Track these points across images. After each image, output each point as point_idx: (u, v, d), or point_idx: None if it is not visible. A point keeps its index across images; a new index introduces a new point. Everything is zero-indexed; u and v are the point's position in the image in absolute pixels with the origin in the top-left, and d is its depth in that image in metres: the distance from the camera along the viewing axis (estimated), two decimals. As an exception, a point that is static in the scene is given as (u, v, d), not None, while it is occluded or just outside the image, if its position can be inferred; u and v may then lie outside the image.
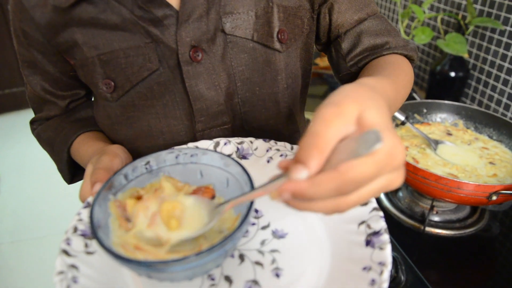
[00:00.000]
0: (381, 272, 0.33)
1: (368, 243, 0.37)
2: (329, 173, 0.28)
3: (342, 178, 0.27)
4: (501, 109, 1.15)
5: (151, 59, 0.52)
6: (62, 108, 0.65)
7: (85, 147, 0.59)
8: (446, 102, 0.94)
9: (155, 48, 0.52)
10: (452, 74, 1.21)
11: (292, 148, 0.51)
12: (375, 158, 0.27)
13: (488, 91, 1.19)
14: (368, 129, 0.29)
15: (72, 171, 0.66)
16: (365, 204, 0.41)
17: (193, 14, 0.51)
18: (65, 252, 0.37)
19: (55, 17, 0.52)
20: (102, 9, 0.51)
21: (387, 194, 0.86)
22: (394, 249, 0.71)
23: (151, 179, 0.43)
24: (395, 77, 0.50)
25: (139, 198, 0.40)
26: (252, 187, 0.37)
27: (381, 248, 0.36)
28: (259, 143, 0.52)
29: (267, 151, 0.51)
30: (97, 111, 0.61)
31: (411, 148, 0.84)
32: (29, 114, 2.56)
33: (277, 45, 0.55)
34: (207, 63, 0.53)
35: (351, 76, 0.63)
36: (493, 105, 1.18)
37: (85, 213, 0.42)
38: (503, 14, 1.12)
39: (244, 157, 0.52)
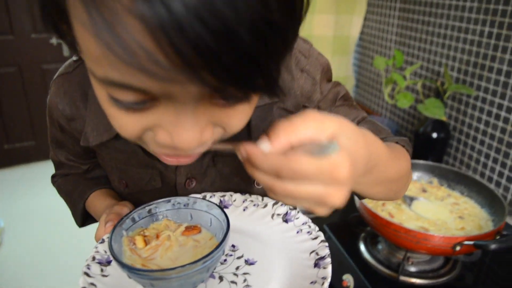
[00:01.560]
0: (323, 283, 0.46)
1: (315, 265, 0.50)
2: (279, 155, 0.33)
3: (285, 163, 0.32)
4: (479, 167, 1.25)
5: (156, 180, 0.65)
6: (82, 170, 0.78)
7: (99, 202, 0.70)
8: (422, 162, 1.04)
9: (159, 175, 0.65)
10: (434, 135, 1.32)
11: (262, 199, 0.63)
12: (319, 162, 0.32)
13: (468, 151, 1.30)
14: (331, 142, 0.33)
15: (84, 218, 0.78)
16: (315, 238, 0.53)
17: None
18: (86, 274, 0.48)
19: (81, 134, 0.64)
20: (123, 142, 0.61)
21: (367, 247, 0.95)
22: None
23: (153, 221, 0.56)
24: (391, 148, 0.52)
25: (144, 235, 0.53)
26: (228, 223, 0.49)
27: (324, 268, 0.48)
28: (237, 196, 0.64)
29: (243, 202, 0.63)
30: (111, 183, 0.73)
31: (388, 204, 0.94)
32: (36, 168, 2.72)
33: (254, 186, 0.66)
34: (198, 189, 0.65)
35: None
36: (472, 163, 1.28)
37: (100, 247, 0.54)
38: (475, 81, 1.25)
39: (225, 207, 0.63)
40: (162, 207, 0.56)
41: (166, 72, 0.29)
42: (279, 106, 0.60)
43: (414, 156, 1.39)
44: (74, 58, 0.63)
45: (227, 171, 0.65)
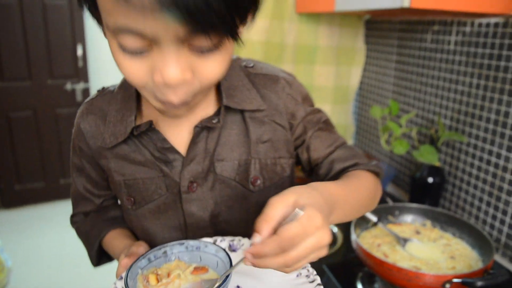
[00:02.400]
0: None
1: None
2: (272, 236, 0.46)
3: (280, 238, 0.46)
4: (474, 210, 1.30)
5: (161, 187, 0.73)
6: (96, 205, 0.85)
7: (117, 241, 0.78)
8: (416, 205, 1.10)
9: (164, 180, 0.72)
10: (430, 180, 1.38)
11: None
12: (300, 223, 0.46)
13: (463, 195, 1.36)
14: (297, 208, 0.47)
15: (99, 257, 0.85)
16: (312, 281, 0.57)
17: (194, 160, 0.71)
18: None
19: (101, 148, 0.74)
20: (133, 150, 0.72)
21: (364, 286, 1.00)
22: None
23: (166, 262, 0.62)
24: (346, 183, 0.67)
25: (157, 274, 0.59)
26: (231, 264, 0.56)
27: None
28: (245, 241, 0.70)
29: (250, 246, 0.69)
30: (123, 211, 0.81)
31: (383, 245, 1.00)
32: (45, 209, 2.80)
33: (250, 187, 0.74)
34: (200, 193, 0.73)
35: None
36: (467, 206, 1.34)
37: (118, 283, 0.61)
38: (467, 128, 1.33)
39: (234, 250, 0.69)
40: (176, 249, 0.63)
41: (151, 11, 0.45)
42: (270, 119, 0.74)
43: (411, 199, 1.45)
44: (97, 91, 0.78)
45: (226, 175, 0.73)
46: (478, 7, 1.08)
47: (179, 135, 0.72)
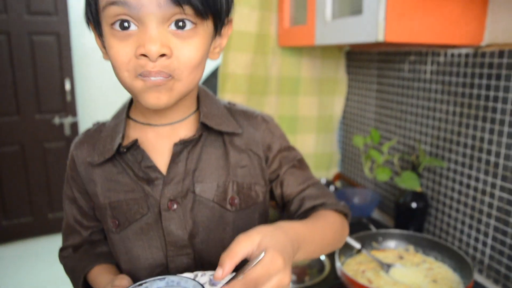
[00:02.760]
0: None
1: None
2: (237, 279, 0.50)
3: (245, 280, 0.50)
4: (457, 234, 1.33)
5: (143, 207, 0.76)
6: (84, 238, 0.86)
7: (101, 277, 0.80)
8: (398, 231, 1.13)
9: (145, 200, 0.76)
10: (414, 205, 1.42)
11: None
12: (261, 263, 0.51)
13: (446, 218, 1.39)
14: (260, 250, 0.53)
15: None
16: None
17: (174, 179, 0.75)
18: None
19: (90, 172, 0.78)
20: (119, 171, 0.77)
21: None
22: None
23: None
24: (313, 222, 0.72)
25: None
26: None
27: None
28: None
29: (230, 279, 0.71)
30: (107, 239, 0.83)
31: (368, 271, 1.02)
32: (33, 244, 2.75)
33: (228, 206, 0.78)
34: (179, 212, 0.75)
35: None
36: (451, 230, 1.37)
37: None
38: (446, 154, 1.37)
39: (213, 285, 0.71)
40: (156, 284, 0.65)
41: None
42: (248, 147, 0.80)
43: (396, 225, 1.48)
44: (92, 124, 0.85)
45: (204, 196, 0.76)
46: (448, 39, 1.14)
47: (161, 155, 0.76)
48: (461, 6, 1.13)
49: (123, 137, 0.75)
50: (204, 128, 0.77)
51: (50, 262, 3.08)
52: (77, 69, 3.62)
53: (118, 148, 0.74)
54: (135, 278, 0.76)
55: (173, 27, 0.62)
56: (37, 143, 3.45)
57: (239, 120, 0.81)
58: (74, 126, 3.54)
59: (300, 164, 0.85)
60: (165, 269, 0.77)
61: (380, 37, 1.06)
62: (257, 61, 1.71)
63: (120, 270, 0.82)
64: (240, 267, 0.56)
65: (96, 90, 3.75)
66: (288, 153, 0.84)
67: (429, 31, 1.11)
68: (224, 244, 0.75)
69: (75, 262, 0.86)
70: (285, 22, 1.69)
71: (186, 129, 0.77)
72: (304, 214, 0.81)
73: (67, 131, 3.50)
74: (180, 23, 0.62)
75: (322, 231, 0.72)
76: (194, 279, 0.64)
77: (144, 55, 0.60)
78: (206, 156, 0.77)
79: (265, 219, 0.85)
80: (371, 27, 1.08)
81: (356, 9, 1.20)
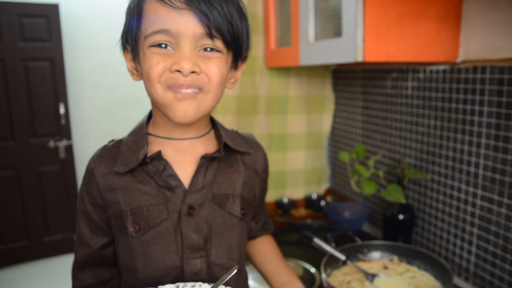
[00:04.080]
0: None
1: None
2: None
3: None
4: (444, 243, 1.38)
5: (163, 212, 0.82)
6: (93, 251, 0.89)
7: None
8: (382, 242, 1.18)
9: (166, 206, 0.82)
10: (401, 217, 1.46)
11: None
12: None
13: (432, 229, 1.43)
14: None
15: None
16: None
17: (194, 189, 0.83)
18: None
19: (111, 182, 0.84)
20: (140, 180, 0.83)
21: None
22: None
23: None
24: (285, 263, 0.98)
25: None
26: None
27: None
28: (205, 286, 0.77)
29: None
30: (121, 247, 0.87)
31: (353, 281, 1.06)
32: (28, 269, 2.77)
33: (239, 216, 0.88)
34: (197, 217, 0.83)
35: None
36: (437, 239, 1.41)
37: None
38: (429, 166, 1.42)
39: None
40: None
41: (179, 12, 0.71)
42: (253, 166, 0.94)
43: (384, 237, 1.52)
44: (108, 141, 0.92)
45: (220, 205, 0.86)
46: (424, 57, 1.21)
47: (181, 167, 0.85)
48: (435, 26, 1.20)
49: (147, 149, 0.83)
50: (224, 147, 0.88)
51: (47, 286, 3.08)
52: (71, 93, 3.68)
53: (143, 159, 0.81)
54: (151, 279, 0.83)
55: (202, 50, 0.75)
56: (32, 167, 3.48)
57: (248, 142, 0.96)
58: (69, 149, 3.57)
59: (264, 198, 1.05)
60: (180, 271, 0.83)
61: (359, 58, 1.12)
62: (246, 82, 1.77)
63: (134, 272, 0.86)
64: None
65: (90, 113, 3.80)
66: (266, 187, 1.03)
67: (406, 51, 1.17)
68: (233, 249, 0.87)
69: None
70: (272, 44, 1.76)
71: (203, 145, 0.88)
72: (258, 232, 1.05)
73: (62, 154, 3.54)
74: (209, 48, 0.75)
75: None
76: None
77: (178, 71, 0.73)
78: (222, 171, 0.88)
79: (248, 227, 0.98)
80: (351, 49, 1.14)
81: (337, 31, 1.27)
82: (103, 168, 0.86)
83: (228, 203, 0.87)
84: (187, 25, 0.72)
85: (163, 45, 0.74)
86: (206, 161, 0.85)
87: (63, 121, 3.51)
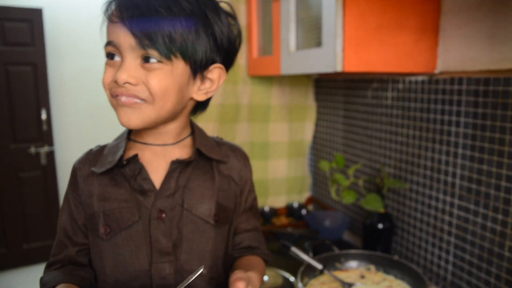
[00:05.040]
0: None
1: None
2: None
3: None
4: (422, 252, 1.39)
5: (134, 215, 0.83)
6: (70, 255, 0.89)
7: None
8: (359, 251, 1.19)
9: (138, 208, 0.83)
10: (380, 226, 1.47)
11: None
12: None
13: (411, 238, 1.45)
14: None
15: None
16: None
17: (166, 192, 0.84)
18: None
19: (90, 184, 0.86)
20: (116, 183, 0.85)
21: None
22: None
23: None
24: (260, 273, 0.88)
25: None
26: None
27: None
28: None
29: None
30: (93, 250, 0.88)
31: (330, 291, 1.06)
32: (7, 277, 2.69)
33: (212, 222, 0.87)
34: (166, 222, 0.84)
35: (232, 257, 0.98)
36: (416, 249, 1.42)
37: None
38: (408, 176, 1.44)
39: None
40: None
41: (117, 24, 0.74)
42: (229, 174, 0.93)
43: (364, 246, 1.52)
44: (95, 146, 0.95)
45: (191, 211, 0.86)
46: (403, 68, 1.22)
47: (155, 172, 0.86)
48: (414, 38, 1.21)
49: (124, 151, 0.85)
50: (197, 154, 0.88)
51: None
52: (53, 99, 3.63)
53: (119, 160, 0.84)
54: (119, 284, 0.83)
55: (144, 61, 0.76)
56: (12, 173, 3.42)
57: (226, 151, 0.95)
58: (51, 155, 3.52)
59: (255, 209, 1.02)
60: (148, 276, 0.83)
61: (339, 68, 1.13)
62: (228, 90, 1.77)
63: (103, 277, 0.86)
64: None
65: (73, 119, 3.76)
66: (252, 196, 1.00)
67: (385, 61, 1.19)
68: (205, 256, 0.87)
69: (49, 276, 0.87)
70: (254, 53, 1.77)
71: (178, 151, 0.88)
72: (242, 250, 0.98)
73: (43, 160, 3.49)
74: (149, 59, 0.76)
75: (262, 281, 0.90)
76: None
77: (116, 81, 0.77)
78: (195, 177, 0.88)
79: (228, 239, 0.95)
80: (330, 58, 1.15)
81: (318, 41, 1.28)
82: (86, 170, 0.88)
83: (200, 209, 0.87)
84: (124, 36, 0.75)
85: (111, 56, 0.78)
86: (179, 166, 0.86)
87: (44, 127, 3.46)
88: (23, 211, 3.49)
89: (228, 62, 0.88)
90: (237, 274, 0.74)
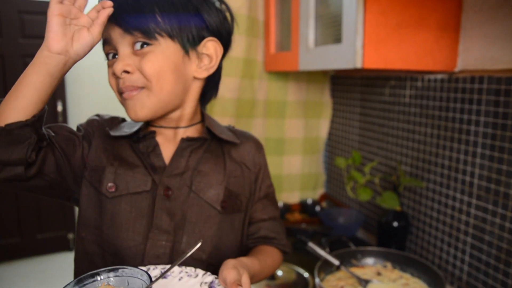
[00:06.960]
0: None
1: None
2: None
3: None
4: (437, 251, 1.38)
5: (147, 184, 0.83)
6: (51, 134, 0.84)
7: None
8: (376, 248, 1.18)
9: (150, 179, 0.83)
10: (395, 224, 1.46)
11: (195, 271, 0.77)
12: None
13: (426, 237, 1.44)
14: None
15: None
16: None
17: (174, 171, 0.84)
18: None
19: (105, 141, 0.87)
20: (130, 154, 0.85)
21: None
22: None
23: (96, 286, 0.67)
24: (263, 260, 0.88)
25: None
26: (151, 280, 0.64)
27: None
28: (175, 268, 0.77)
29: (180, 273, 0.76)
30: (88, 202, 0.85)
31: (346, 286, 1.06)
32: (18, 266, 2.72)
33: (218, 208, 0.86)
34: (173, 201, 0.83)
35: (248, 247, 0.96)
36: (431, 248, 1.42)
37: None
38: (425, 174, 1.43)
39: (165, 277, 0.76)
40: (110, 273, 0.69)
41: (107, 24, 0.76)
42: (242, 161, 0.93)
43: (379, 243, 1.52)
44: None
45: (199, 194, 0.85)
46: (423, 66, 1.21)
47: (167, 153, 0.87)
48: (434, 35, 1.20)
49: (140, 128, 0.87)
50: (208, 134, 0.89)
51: (39, 284, 3.06)
52: (69, 91, 3.67)
53: (137, 132, 0.86)
54: (111, 245, 0.82)
55: (134, 48, 0.79)
56: (28, 164, 3.46)
57: (238, 135, 0.95)
58: (66, 147, 3.56)
59: (272, 197, 0.99)
60: (141, 250, 0.81)
61: (358, 64, 1.13)
62: (244, 85, 1.78)
63: (97, 230, 0.84)
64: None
65: (88, 111, 3.79)
66: (267, 183, 0.98)
67: (405, 58, 1.18)
68: (206, 241, 0.84)
69: None
70: (271, 48, 1.77)
71: (192, 131, 0.90)
72: (257, 240, 0.96)
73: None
74: (138, 45, 0.78)
75: (267, 268, 0.90)
76: (147, 271, 0.68)
77: (115, 75, 0.79)
78: (206, 160, 0.88)
79: (243, 228, 0.92)
80: (350, 55, 1.15)
81: (337, 37, 1.27)
82: (104, 127, 0.89)
83: (208, 193, 0.86)
84: (112, 29, 0.78)
85: (110, 56, 0.83)
86: (190, 145, 0.87)
87: (60, 119, 3.50)
88: (37, 201, 3.53)
89: (222, 38, 0.87)
90: (228, 263, 0.74)
